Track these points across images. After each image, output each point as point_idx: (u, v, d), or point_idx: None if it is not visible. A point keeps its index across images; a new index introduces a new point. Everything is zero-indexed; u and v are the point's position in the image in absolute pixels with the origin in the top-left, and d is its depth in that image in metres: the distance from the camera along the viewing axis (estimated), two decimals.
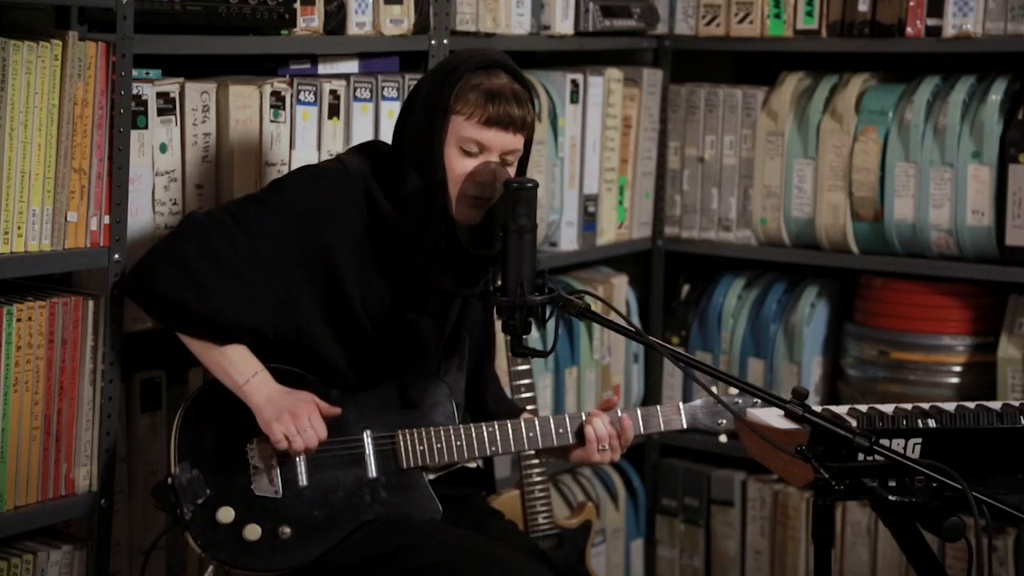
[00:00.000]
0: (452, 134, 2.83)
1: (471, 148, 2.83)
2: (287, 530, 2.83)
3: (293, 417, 2.80)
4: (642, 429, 3.03)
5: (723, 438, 3.07)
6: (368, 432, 2.90)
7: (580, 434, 2.99)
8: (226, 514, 2.81)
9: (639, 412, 3.03)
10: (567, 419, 2.99)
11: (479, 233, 2.85)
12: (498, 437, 2.93)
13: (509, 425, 2.94)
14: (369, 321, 2.89)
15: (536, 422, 2.96)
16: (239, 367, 2.83)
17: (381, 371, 2.93)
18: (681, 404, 3.05)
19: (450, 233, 2.85)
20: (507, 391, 3.46)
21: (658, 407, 3.05)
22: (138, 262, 2.90)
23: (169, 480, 2.81)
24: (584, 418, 2.98)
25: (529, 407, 3.46)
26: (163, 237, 2.93)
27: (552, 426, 2.98)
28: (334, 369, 2.91)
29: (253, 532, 2.81)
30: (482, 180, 2.82)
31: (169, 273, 2.83)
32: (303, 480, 2.85)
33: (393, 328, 2.90)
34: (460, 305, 2.98)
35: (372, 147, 3.01)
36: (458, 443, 2.91)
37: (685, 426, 3.05)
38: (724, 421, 3.04)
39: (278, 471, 2.84)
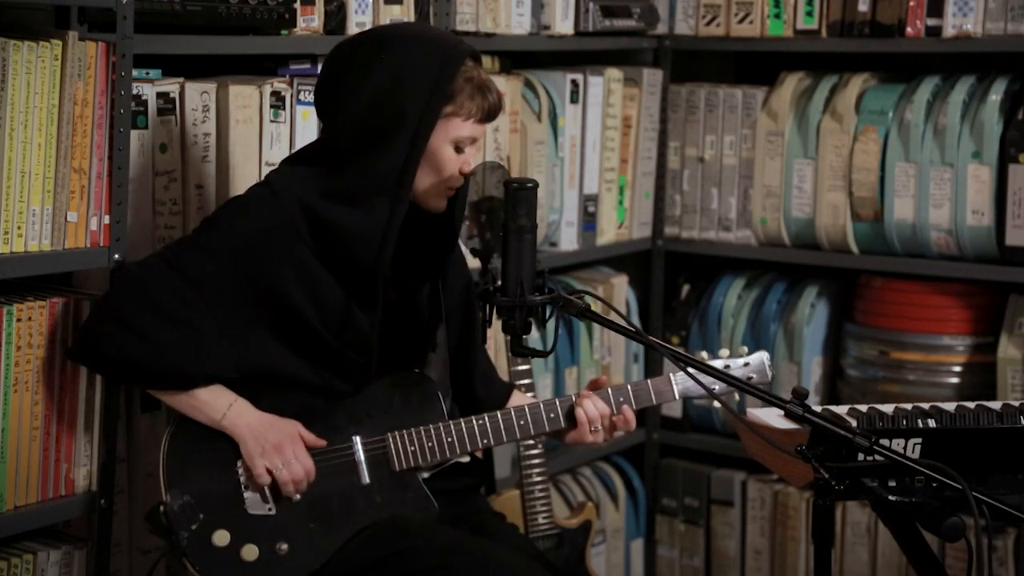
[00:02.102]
0: (447, 134, 2.80)
1: (465, 144, 2.83)
2: (284, 546, 2.81)
3: (277, 451, 2.79)
4: (634, 404, 2.99)
5: (716, 403, 3.04)
6: (358, 438, 2.87)
7: (571, 416, 2.95)
8: (222, 537, 2.79)
9: (629, 388, 2.98)
10: (557, 403, 2.95)
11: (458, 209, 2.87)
12: (489, 429, 2.91)
13: (499, 416, 2.92)
14: (333, 336, 2.85)
15: (527, 409, 2.93)
16: (212, 404, 2.80)
17: (361, 376, 2.90)
18: (672, 375, 3.00)
19: (414, 222, 2.83)
20: None
21: (648, 380, 3.00)
22: (83, 327, 2.85)
23: (161, 508, 2.79)
24: (574, 400, 2.95)
25: None
26: (101, 297, 2.85)
27: (543, 412, 2.95)
28: (312, 385, 2.87)
29: (251, 552, 2.80)
30: (467, 172, 2.83)
31: (116, 334, 2.76)
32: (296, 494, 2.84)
33: (359, 337, 2.86)
34: (429, 291, 2.96)
35: (301, 154, 2.93)
36: (449, 440, 2.89)
37: (677, 397, 3.00)
38: (717, 386, 2.96)
39: (270, 488, 2.82)
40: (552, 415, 2.95)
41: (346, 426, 2.88)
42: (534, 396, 3.54)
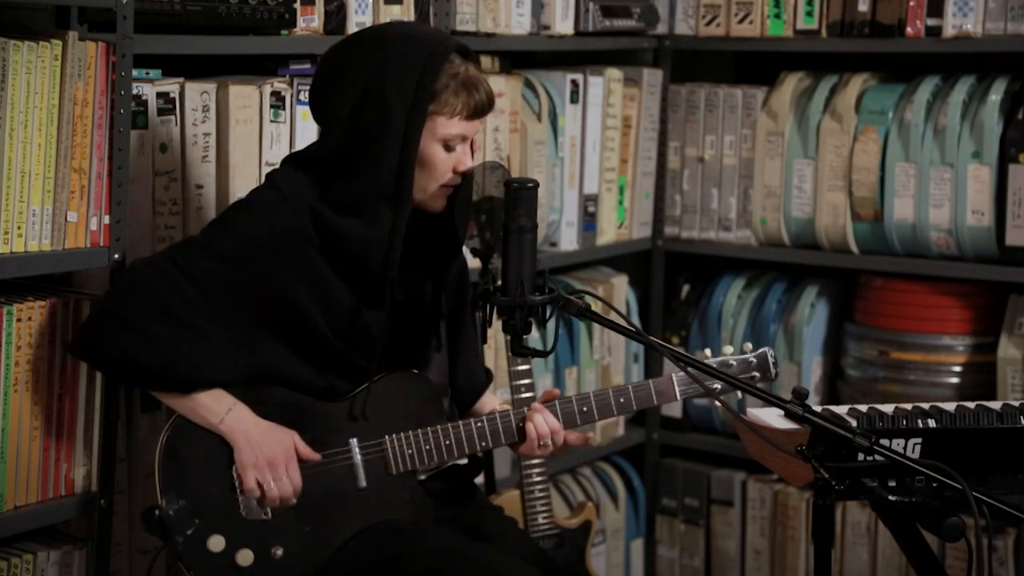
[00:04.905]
0: (433, 133, 2.78)
1: (455, 143, 2.81)
2: (279, 551, 2.80)
3: (270, 466, 2.78)
4: (635, 406, 2.94)
5: (717, 403, 3.01)
6: (355, 441, 2.86)
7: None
8: (217, 543, 2.78)
9: (630, 388, 2.93)
10: (557, 404, 2.92)
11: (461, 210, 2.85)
12: (487, 432, 2.89)
13: (498, 418, 2.90)
14: (339, 339, 2.83)
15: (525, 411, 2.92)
16: (211, 407, 2.78)
17: (363, 378, 2.88)
18: (674, 375, 2.95)
19: (418, 225, 2.83)
20: (507, 392, 3.45)
21: (650, 381, 2.96)
22: (85, 323, 2.83)
23: (157, 513, 2.77)
24: (526, 412, 2.92)
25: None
26: (105, 293, 2.83)
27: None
28: (314, 387, 2.86)
29: (246, 558, 2.79)
30: (463, 170, 2.81)
31: (119, 334, 2.74)
32: None
33: (366, 338, 2.85)
34: (431, 289, 2.95)
35: (303, 157, 2.90)
36: (447, 443, 2.87)
37: (679, 397, 2.96)
38: (719, 386, 2.93)
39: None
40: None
41: (344, 427, 2.86)
42: (534, 396, 3.54)
